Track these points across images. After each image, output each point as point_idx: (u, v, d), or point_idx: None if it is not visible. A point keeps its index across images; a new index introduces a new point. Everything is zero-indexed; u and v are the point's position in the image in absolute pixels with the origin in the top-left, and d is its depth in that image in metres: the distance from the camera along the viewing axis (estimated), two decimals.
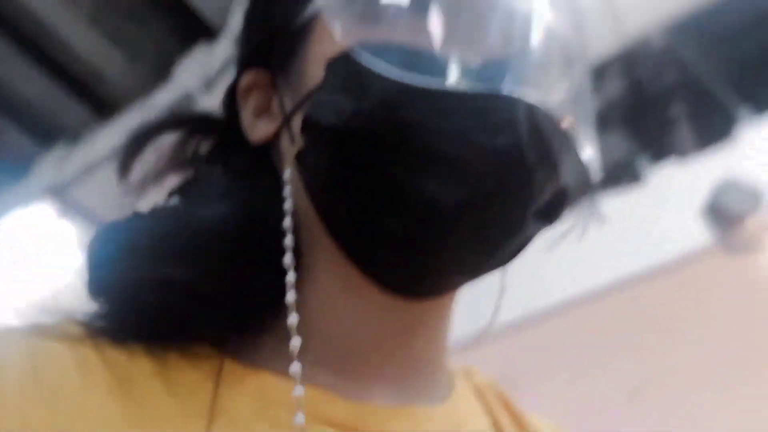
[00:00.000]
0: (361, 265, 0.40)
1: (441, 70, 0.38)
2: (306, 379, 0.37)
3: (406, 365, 0.44)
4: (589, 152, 0.44)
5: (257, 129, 0.45)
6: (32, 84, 3.70)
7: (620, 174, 3.00)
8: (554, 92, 0.42)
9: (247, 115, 0.46)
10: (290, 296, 0.39)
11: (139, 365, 0.38)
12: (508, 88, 0.38)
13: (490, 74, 0.38)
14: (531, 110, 0.38)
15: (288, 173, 0.42)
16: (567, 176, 0.42)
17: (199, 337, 0.40)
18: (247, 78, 0.46)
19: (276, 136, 0.44)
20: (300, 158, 0.40)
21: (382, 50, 0.37)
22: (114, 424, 0.34)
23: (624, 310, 2.99)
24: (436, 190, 0.37)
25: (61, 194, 2.82)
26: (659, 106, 3.27)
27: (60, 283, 3.36)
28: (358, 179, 0.38)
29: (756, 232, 2.23)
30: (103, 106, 3.57)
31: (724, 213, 2.21)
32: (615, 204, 3.07)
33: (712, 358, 3.09)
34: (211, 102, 2.74)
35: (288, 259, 0.39)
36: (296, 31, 0.43)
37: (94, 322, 0.40)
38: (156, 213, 0.43)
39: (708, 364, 3.15)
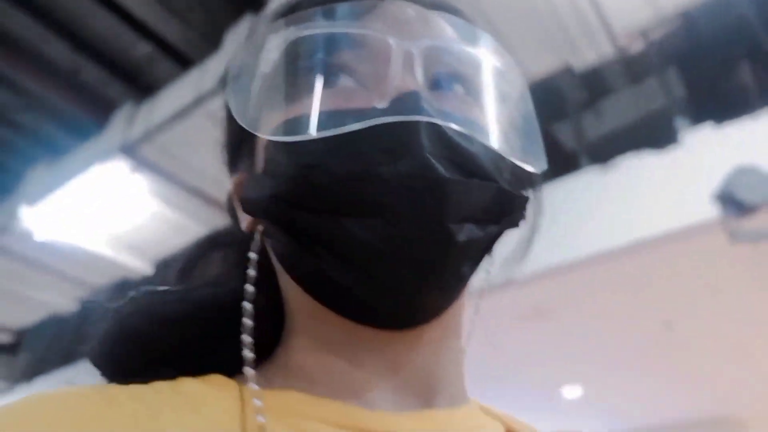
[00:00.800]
0: (332, 308, 0.42)
1: (343, 119, 0.39)
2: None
3: (411, 384, 0.43)
4: (520, 155, 0.45)
5: (243, 222, 0.49)
6: (101, 19, 3.94)
7: (659, 131, 2.99)
8: (465, 109, 0.43)
9: (239, 212, 0.50)
10: (246, 338, 0.42)
11: (163, 395, 0.38)
12: (404, 114, 0.39)
13: (393, 108, 0.40)
14: (429, 129, 0.39)
15: (255, 249, 0.46)
16: (500, 179, 0.42)
17: (214, 369, 0.42)
18: (233, 181, 0.51)
19: (254, 224, 0.48)
20: (263, 235, 0.45)
21: (292, 123, 0.41)
22: None
23: (651, 264, 3.13)
24: (354, 228, 0.38)
25: (132, 152, 3.15)
26: (716, 67, 3.13)
27: (134, 225, 3.79)
28: (298, 237, 0.41)
29: (764, 223, 2.28)
30: (167, 48, 3.78)
31: (735, 200, 2.27)
32: (654, 163, 3.10)
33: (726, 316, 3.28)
34: None
35: (247, 306, 0.43)
36: (246, 136, 0.47)
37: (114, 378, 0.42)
38: (164, 294, 0.47)
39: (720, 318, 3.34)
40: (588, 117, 3.59)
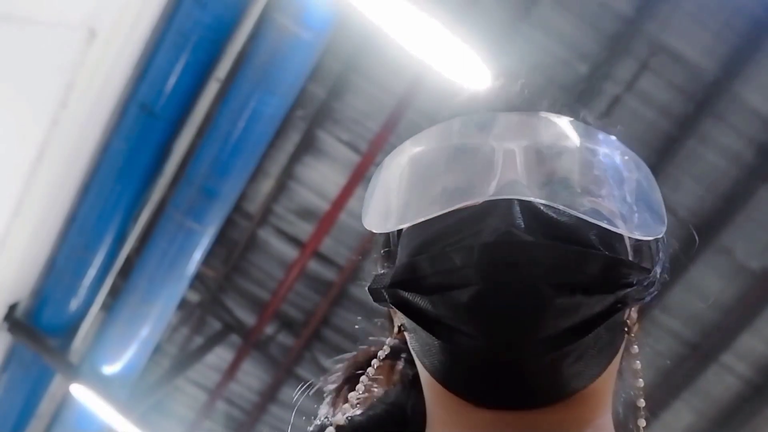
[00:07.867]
0: (452, 391, 0.46)
1: (436, 207, 0.47)
2: None
3: None
4: (629, 226, 0.47)
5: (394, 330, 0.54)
6: None
7: None
8: (566, 194, 0.46)
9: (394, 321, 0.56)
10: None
11: None
12: (499, 194, 0.44)
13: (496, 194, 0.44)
14: (523, 207, 0.43)
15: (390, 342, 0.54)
16: (606, 250, 0.43)
17: None
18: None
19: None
20: (402, 330, 0.50)
21: (391, 215, 0.49)
22: None
23: None
24: (451, 310, 0.42)
25: None
26: None
27: None
28: (412, 328, 0.47)
29: None
30: None
31: None
32: None
33: None
34: None
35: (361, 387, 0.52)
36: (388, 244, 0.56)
37: None
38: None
39: None
40: None
